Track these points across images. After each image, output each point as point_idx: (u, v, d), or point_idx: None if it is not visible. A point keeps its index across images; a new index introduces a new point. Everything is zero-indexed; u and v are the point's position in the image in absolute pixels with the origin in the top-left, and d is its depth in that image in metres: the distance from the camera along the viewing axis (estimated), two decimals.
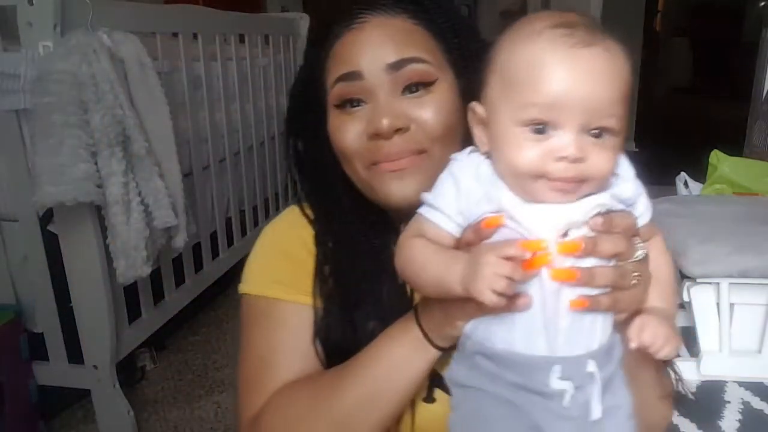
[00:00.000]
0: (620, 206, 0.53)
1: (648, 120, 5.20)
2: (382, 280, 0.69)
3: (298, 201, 0.77)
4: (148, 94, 1.48)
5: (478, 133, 0.56)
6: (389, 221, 0.73)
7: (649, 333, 0.52)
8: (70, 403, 1.72)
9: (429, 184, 0.61)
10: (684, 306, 1.84)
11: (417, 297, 0.68)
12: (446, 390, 0.62)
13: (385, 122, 0.63)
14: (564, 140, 0.48)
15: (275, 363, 0.69)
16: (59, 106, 1.24)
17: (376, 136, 0.64)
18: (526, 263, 0.48)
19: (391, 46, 0.64)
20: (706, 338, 1.69)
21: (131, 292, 1.61)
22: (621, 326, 0.54)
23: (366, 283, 0.69)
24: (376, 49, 0.65)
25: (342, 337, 0.68)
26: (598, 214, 0.51)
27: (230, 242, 2.26)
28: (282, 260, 0.73)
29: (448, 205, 0.53)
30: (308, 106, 0.72)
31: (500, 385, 0.53)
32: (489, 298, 0.47)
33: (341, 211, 0.73)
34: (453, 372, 0.58)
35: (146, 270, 1.44)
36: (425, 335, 0.60)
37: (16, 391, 1.49)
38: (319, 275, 0.71)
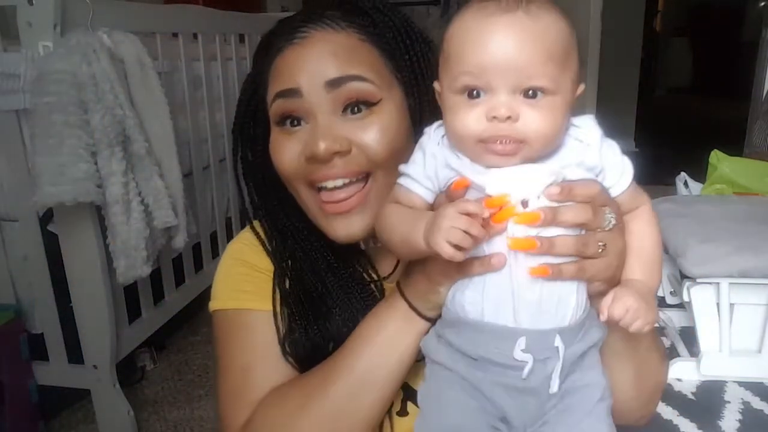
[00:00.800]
0: (585, 174, 0.53)
1: (648, 120, 5.20)
2: (343, 296, 0.68)
3: (249, 221, 0.75)
4: (148, 94, 1.48)
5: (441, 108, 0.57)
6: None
7: (620, 306, 0.51)
8: (70, 403, 1.72)
9: (372, 218, 0.61)
10: (684, 306, 1.84)
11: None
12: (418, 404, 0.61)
13: (322, 146, 0.60)
14: (494, 101, 0.49)
15: (256, 371, 0.69)
16: (59, 106, 1.24)
17: (313, 159, 0.61)
18: (493, 218, 0.49)
19: (331, 63, 0.61)
20: (706, 338, 1.68)
21: (131, 292, 1.61)
22: (596, 300, 0.54)
23: (325, 300, 0.68)
24: (315, 66, 0.61)
25: (309, 353, 0.67)
26: (555, 182, 0.50)
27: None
28: (244, 271, 0.73)
29: (417, 171, 0.55)
30: (255, 118, 0.69)
31: (458, 363, 0.54)
32: (446, 250, 0.47)
33: (295, 228, 0.71)
34: (425, 341, 0.58)
35: (146, 270, 1.44)
36: (411, 306, 0.59)
37: (16, 391, 1.49)
38: (279, 294, 0.70)
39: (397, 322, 0.60)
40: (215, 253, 2.14)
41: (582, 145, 0.53)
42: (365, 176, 0.63)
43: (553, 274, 0.51)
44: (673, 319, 2.00)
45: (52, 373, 1.57)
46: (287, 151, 0.64)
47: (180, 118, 1.78)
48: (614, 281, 0.54)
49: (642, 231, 0.57)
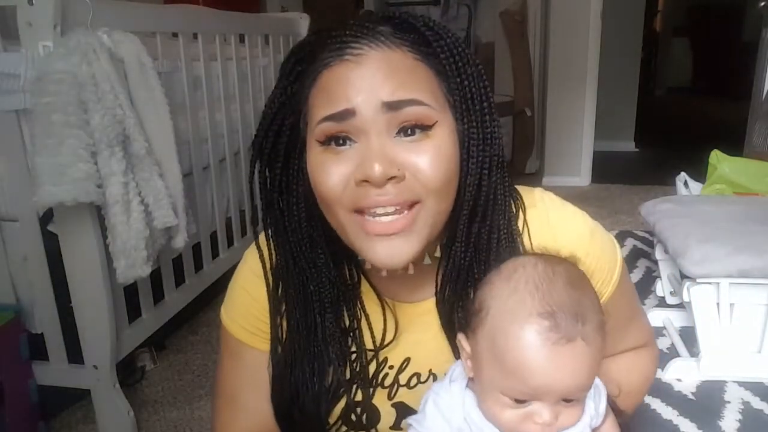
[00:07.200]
0: (598, 419, 0.62)
1: (648, 120, 5.20)
2: (329, 351, 0.69)
3: (256, 240, 0.73)
4: (148, 94, 1.48)
5: (464, 362, 0.61)
6: (353, 282, 0.70)
7: None
8: (70, 403, 1.72)
9: (419, 245, 0.60)
10: (684, 306, 1.84)
11: (374, 367, 0.71)
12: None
13: (377, 169, 0.55)
14: (541, 410, 0.56)
15: (241, 403, 0.75)
16: (59, 106, 1.24)
17: (366, 182, 0.57)
18: None
19: (389, 84, 0.57)
20: (706, 338, 1.68)
21: (131, 292, 1.61)
22: None
23: (307, 353, 0.69)
24: (371, 85, 0.57)
25: (287, 400, 0.71)
26: None
27: (230, 242, 2.26)
28: (249, 306, 0.73)
29: None
30: (281, 131, 0.64)
31: None
32: None
33: (300, 261, 0.67)
34: None
35: (146, 270, 1.44)
36: None
37: (16, 391, 1.49)
38: (271, 336, 0.72)
39: None
40: (215, 254, 2.14)
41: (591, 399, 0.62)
42: (414, 204, 0.59)
43: None
44: (673, 319, 2.00)
45: (52, 373, 1.57)
46: (334, 173, 0.58)
47: (180, 118, 1.78)
48: None
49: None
